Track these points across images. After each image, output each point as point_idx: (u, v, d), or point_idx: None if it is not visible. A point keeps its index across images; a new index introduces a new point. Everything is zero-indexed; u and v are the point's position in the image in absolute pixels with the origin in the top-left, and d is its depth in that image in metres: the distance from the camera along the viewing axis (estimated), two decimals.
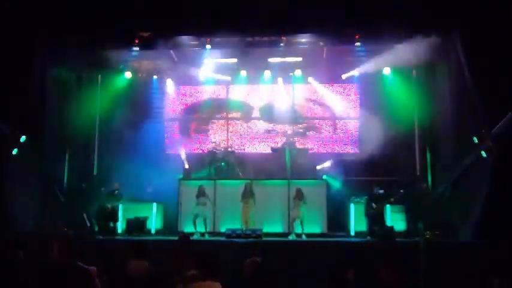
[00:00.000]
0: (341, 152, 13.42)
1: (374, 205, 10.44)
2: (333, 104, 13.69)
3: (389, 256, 6.99)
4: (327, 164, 12.29)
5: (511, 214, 8.43)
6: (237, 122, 14.04)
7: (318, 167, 12.16)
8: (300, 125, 13.77)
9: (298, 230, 10.40)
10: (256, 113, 13.99)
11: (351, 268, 4.20)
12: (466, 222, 9.33)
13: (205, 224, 10.68)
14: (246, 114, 14.05)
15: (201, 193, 10.79)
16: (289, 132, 13.49)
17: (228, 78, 13.48)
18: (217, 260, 4.09)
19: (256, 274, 5.01)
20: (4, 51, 9.36)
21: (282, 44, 11.18)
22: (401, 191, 10.45)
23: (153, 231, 11.53)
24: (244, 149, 13.69)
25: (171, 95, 14.19)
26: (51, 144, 10.97)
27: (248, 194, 10.74)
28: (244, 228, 10.11)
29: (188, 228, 10.73)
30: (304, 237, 10.25)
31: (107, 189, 11.34)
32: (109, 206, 10.88)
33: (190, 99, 14.24)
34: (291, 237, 10.29)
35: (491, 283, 4.00)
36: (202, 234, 10.55)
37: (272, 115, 13.84)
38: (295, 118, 13.65)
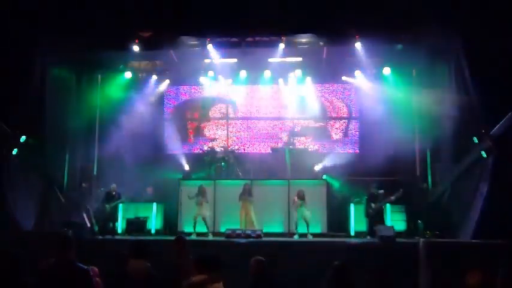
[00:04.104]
0: (341, 152, 13.43)
1: (373, 205, 10.47)
2: (332, 104, 13.74)
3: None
4: (325, 163, 12.29)
5: (511, 214, 8.42)
6: (237, 121, 14.04)
7: (316, 168, 12.17)
8: (299, 122, 13.79)
9: (303, 230, 10.38)
10: (256, 112, 13.99)
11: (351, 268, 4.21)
12: (466, 222, 9.33)
13: (206, 224, 10.65)
14: (246, 113, 14.05)
15: (201, 193, 10.79)
16: (289, 131, 13.52)
17: (228, 78, 13.47)
18: (218, 261, 4.11)
19: (261, 273, 5.02)
20: (4, 51, 9.36)
21: (282, 44, 11.17)
22: (400, 190, 10.46)
23: (153, 231, 11.53)
24: (244, 149, 13.69)
25: (171, 95, 14.20)
26: (51, 144, 10.97)
27: (246, 195, 10.74)
28: (244, 229, 10.11)
29: (188, 228, 10.73)
30: (310, 237, 10.22)
31: (105, 190, 11.36)
32: (107, 206, 10.89)
33: (190, 99, 14.24)
34: (296, 238, 10.28)
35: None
36: (206, 235, 10.52)
37: (273, 112, 13.88)
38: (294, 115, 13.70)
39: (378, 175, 11.59)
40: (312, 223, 10.58)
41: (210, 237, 10.36)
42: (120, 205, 11.33)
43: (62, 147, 11.61)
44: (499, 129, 8.85)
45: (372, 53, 11.70)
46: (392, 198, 10.42)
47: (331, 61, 12.60)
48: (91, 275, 4.01)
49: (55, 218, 10.76)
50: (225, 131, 13.93)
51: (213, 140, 13.80)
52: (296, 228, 10.41)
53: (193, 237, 10.22)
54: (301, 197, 10.44)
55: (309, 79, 13.39)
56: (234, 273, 4.92)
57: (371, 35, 10.38)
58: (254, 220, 10.58)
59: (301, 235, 10.32)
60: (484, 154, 9.06)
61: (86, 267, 3.97)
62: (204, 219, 10.64)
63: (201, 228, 10.81)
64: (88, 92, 12.53)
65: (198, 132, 14.14)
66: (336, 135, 13.71)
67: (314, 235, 10.46)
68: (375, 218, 10.40)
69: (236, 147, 13.47)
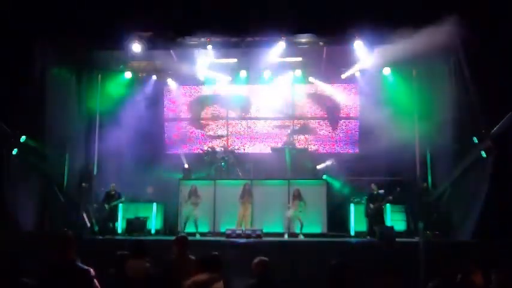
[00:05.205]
0: (341, 152, 13.43)
1: (371, 205, 10.48)
2: (332, 103, 13.73)
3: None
4: (328, 163, 12.26)
5: (511, 214, 8.42)
6: (237, 121, 14.03)
7: (318, 167, 12.16)
8: (299, 122, 13.77)
9: (297, 230, 10.42)
10: (256, 112, 13.98)
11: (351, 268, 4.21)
12: (466, 222, 9.33)
13: (195, 225, 10.68)
14: (246, 113, 14.04)
15: (192, 193, 10.80)
16: (289, 130, 13.53)
17: (228, 78, 13.47)
18: (219, 261, 4.13)
19: (264, 274, 5.01)
20: (4, 51, 9.36)
21: (282, 44, 11.16)
22: (398, 189, 10.48)
23: (153, 231, 11.53)
24: (244, 149, 13.69)
25: (171, 95, 14.19)
26: (51, 144, 10.97)
27: (246, 195, 10.74)
28: (242, 229, 10.11)
29: (188, 228, 10.73)
30: (302, 237, 10.26)
31: (105, 190, 11.36)
32: (107, 206, 10.88)
33: (190, 99, 14.23)
34: (286, 237, 10.31)
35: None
36: (194, 235, 10.53)
37: (273, 112, 13.87)
38: (294, 115, 13.69)
39: (378, 175, 11.59)
40: (312, 223, 10.59)
41: (198, 237, 10.38)
42: (120, 205, 11.34)
43: (62, 147, 11.60)
44: (499, 129, 8.85)
45: (372, 53, 11.68)
46: (390, 198, 10.45)
47: (331, 61, 12.59)
48: (92, 275, 4.01)
49: (55, 218, 10.75)
50: (225, 131, 13.93)
51: (213, 139, 13.80)
52: (295, 228, 10.44)
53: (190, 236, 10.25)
54: (297, 196, 10.48)
55: (312, 78, 13.40)
56: (234, 273, 4.93)
57: (371, 35, 10.38)
58: (250, 222, 10.62)
59: (294, 235, 10.40)
60: (484, 154, 9.06)
61: (86, 267, 3.97)
62: (195, 220, 10.67)
63: (201, 228, 10.83)
64: (88, 92, 12.53)
65: (198, 131, 14.13)
66: (336, 135, 13.70)
67: (314, 235, 10.48)
68: (375, 218, 10.42)
69: (236, 147, 13.47)
